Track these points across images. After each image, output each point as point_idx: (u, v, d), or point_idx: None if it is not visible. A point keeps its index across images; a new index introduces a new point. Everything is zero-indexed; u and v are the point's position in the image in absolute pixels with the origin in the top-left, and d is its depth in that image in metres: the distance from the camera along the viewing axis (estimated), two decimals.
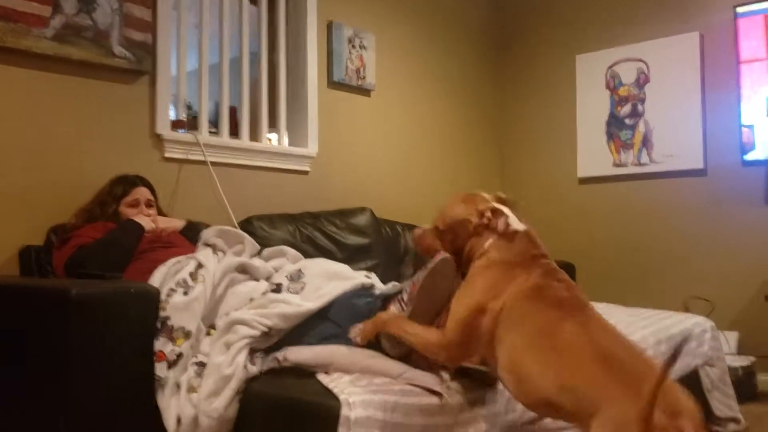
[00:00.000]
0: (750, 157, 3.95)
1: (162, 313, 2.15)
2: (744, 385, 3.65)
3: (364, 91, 4.28)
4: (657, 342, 2.67)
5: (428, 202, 4.49)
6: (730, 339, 4.05)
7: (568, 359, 1.58)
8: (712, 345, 3.03)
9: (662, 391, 1.37)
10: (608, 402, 1.45)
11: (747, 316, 4.12)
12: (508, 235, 1.88)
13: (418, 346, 1.88)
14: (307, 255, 2.64)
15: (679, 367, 2.76)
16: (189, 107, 3.71)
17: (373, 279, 2.42)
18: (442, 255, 1.97)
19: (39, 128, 2.86)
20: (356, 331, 2.02)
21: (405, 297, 1.96)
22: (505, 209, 1.95)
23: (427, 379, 1.84)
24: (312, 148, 3.96)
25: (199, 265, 2.32)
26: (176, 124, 3.39)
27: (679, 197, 4.42)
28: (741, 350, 4.07)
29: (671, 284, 4.41)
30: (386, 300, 2.03)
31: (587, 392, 1.50)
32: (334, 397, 1.72)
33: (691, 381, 2.81)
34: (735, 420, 3.02)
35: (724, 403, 3.01)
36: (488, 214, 1.89)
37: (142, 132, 3.22)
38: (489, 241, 1.89)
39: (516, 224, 1.91)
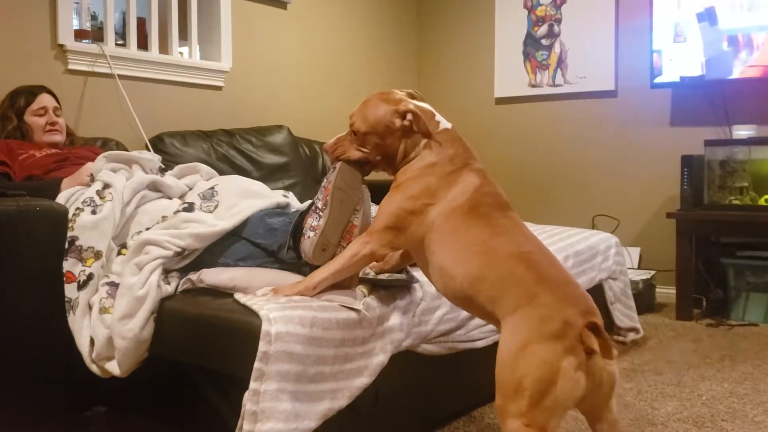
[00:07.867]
0: (658, 80, 4.06)
1: (69, 233, 2.08)
2: (644, 298, 3.86)
3: (280, 3, 4.14)
4: (565, 258, 2.77)
5: (346, 122, 4.43)
6: (632, 254, 4.26)
7: (489, 257, 1.66)
8: (617, 260, 3.17)
9: (581, 296, 1.59)
10: (529, 296, 1.57)
11: (649, 232, 4.32)
12: (440, 134, 1.84)
13: (345, 265, 1.82)
14: (222, 174, 2.57)
15: (586, 281, 2.89)
16: (93, 17, 3.51)
17: (291, 198, 2.39)
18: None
19: None
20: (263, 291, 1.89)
21: (319, 204, 1.93)
22: (429, 106, 1.90)
23: (346, 297, 1.85)
24: (225, 62, 3.83)
25: (107, 184, 2.23)
26: (80, 34, 3.22)
27: (591, 118, 4.53)
28: (642, 265, 4.30)
29: (580, 202, 4.57)
30: (302, 216, 2.00)
31: (503, 282, 1.61)
32: (254, 314, 1.72)
33: (596, 293, 2.94)
34: (635, 330, 3.21)
35: (625, 314, 3.18)
36: (409, 116, 1.82)
37: (42, 42, 3.03)
38: (423, 141, 1.84)
39: (444, 122, 1.88)
